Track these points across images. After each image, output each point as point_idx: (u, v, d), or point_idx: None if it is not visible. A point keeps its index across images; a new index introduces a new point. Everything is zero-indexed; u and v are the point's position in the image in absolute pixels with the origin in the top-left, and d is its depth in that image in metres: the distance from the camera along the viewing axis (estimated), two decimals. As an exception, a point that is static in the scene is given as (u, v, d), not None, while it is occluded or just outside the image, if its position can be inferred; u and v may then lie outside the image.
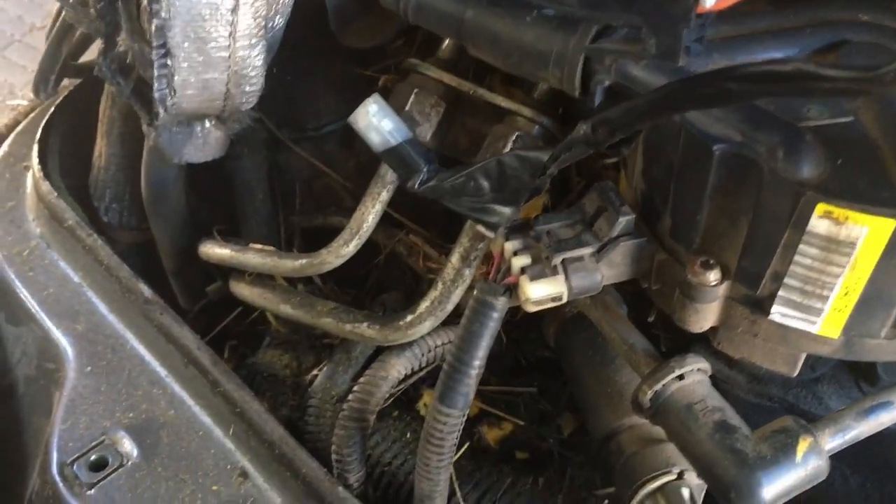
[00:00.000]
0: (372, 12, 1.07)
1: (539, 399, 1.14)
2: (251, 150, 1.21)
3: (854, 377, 0.96)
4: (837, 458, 0.78)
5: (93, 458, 1.00)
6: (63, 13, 1.10)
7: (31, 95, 1.83)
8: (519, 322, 1.12)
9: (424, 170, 0.88)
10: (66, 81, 1.34)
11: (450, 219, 1.18)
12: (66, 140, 1.36)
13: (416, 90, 0.98)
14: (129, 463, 1.00)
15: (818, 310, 0.72)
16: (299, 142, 1.23)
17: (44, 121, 1.33)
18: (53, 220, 1.24)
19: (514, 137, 0.93)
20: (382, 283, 1.23)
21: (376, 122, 0.88)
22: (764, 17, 0.80)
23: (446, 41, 1.01)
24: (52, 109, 1.35)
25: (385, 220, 1.15)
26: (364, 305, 1.22)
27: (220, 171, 1.22)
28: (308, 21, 1.10)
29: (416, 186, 0.88)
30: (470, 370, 0.83)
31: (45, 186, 1.25)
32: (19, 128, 1.42)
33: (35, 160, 1.28)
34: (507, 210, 0.85)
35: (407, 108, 0.98)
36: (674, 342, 0.98)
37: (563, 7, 0.81)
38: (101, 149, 1.25)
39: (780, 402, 0.95)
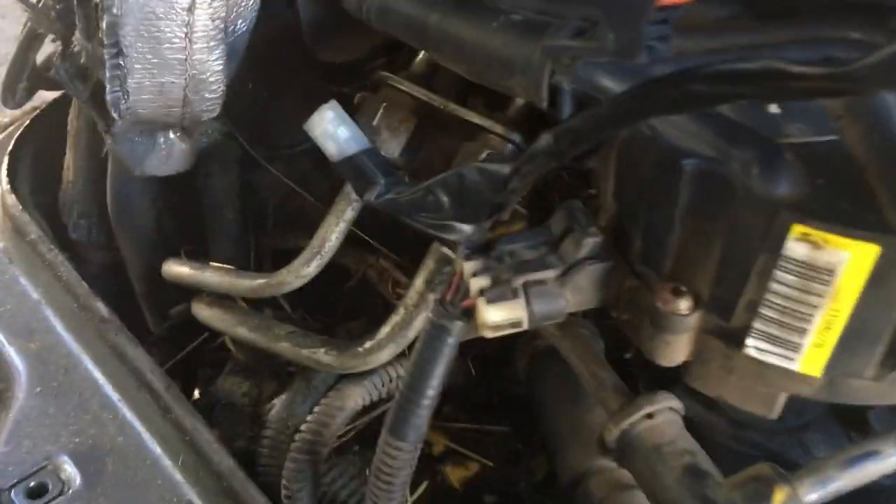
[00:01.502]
0: (347, 26, 1.03)
1: (512, 439, 1.07)
2: (222, 168, 1.16)
3: (844, 426, 0.88)
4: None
5: (32, 484, 0.94)
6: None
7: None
8: (491, 356, 1.06)
9: (382, 182, 0.82)
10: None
11: (424, 242, 1.13)
12: (39, 154, 1.33)
13: (384, 104, 0.94)
14: (70, 491, 0.94)
15: (797, 344, 0.65)
16: (273, 160, 1.18)
17: (17, 133, 1.30)
18: (16, 234, 1.20)
19: (483, 155, 0.88)
20: (353, 310, 1.17)
21: (332, 129, 0.83)
22: (746, 33, 0.75)
23: (421, 54, 0.97)
24: (27, 122, 1.32)
25: (357, 244, 1.10)
26: (333, 334, 1.16)
27: (190, 187, 1.18)
28: (282, 36, 1.07)
29: (372, 199, 0.82)
30: (423, 400, 0.77)
31: (11, 199, 1.21)
32: (-9, 143, 1.39)
33: (3, 172, 1.24)
34: (467, 227, 0.79)
35: (375, 122, 0.93)
36: (652, 382, 0.91)
37: (530, 11, 0.76)
38: (70, 162, 1.21)
39: (764, 449, 0.87)
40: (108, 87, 0.86)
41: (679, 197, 0.67)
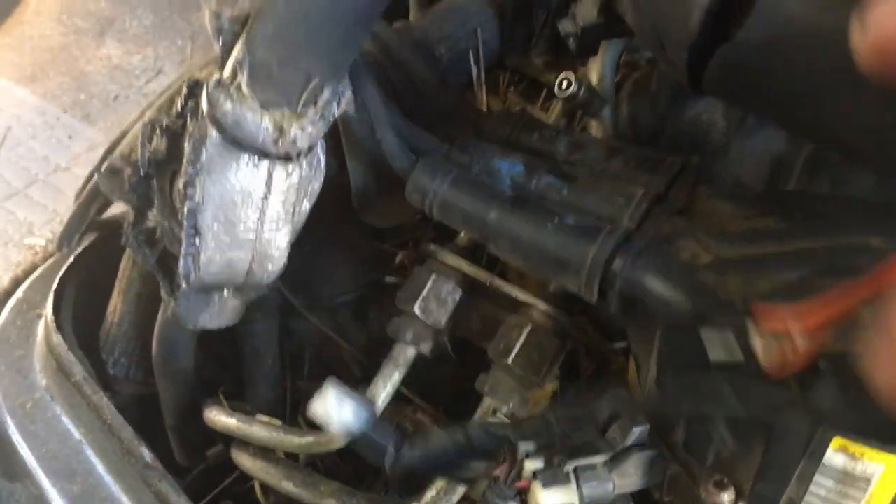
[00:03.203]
0: (394, 194, 1.10)
1: None
2: (264, 315, 1.22)
3: None
4: None
5: None
6: (95, 178, 1.13)
7: (49, 235, 1.88)
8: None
9: (391, 451, 0.89)
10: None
11: (460, 400, 1.18)
12: (80, 291, 1.37)
13: (433, 276, 1.00)
14: None
15: (834, 541, 0.71)
16: (312, 310, 1.25)
17: (61, 271, 1.35)
18: (60, 374, 1.23)
19: (528, 329, 0.95)
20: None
21: (336, 412, 0.89)
22: (776, 239, 0.83)
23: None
24: (71, 260, 1.37)
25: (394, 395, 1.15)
26: (366, 479, 1.20)
27: (229, 331, 1.23)
28: (330, 195, 1.14)
29: (389, 469, 0.89)
30: (476, 576, 0.81)
31: (57, 339, 1.25)
32: (35, 274, 1.44)
33: (49, 311, 1.29)
34: (480, 466, 0.85)
35: (424, 293, 1.00)
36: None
37: (583, 217, 0.84)
38: (116, 305, 1.26)
39: None
40: (181, 261, 0.92)
41: (725, 399, 0.73)
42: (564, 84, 1.00)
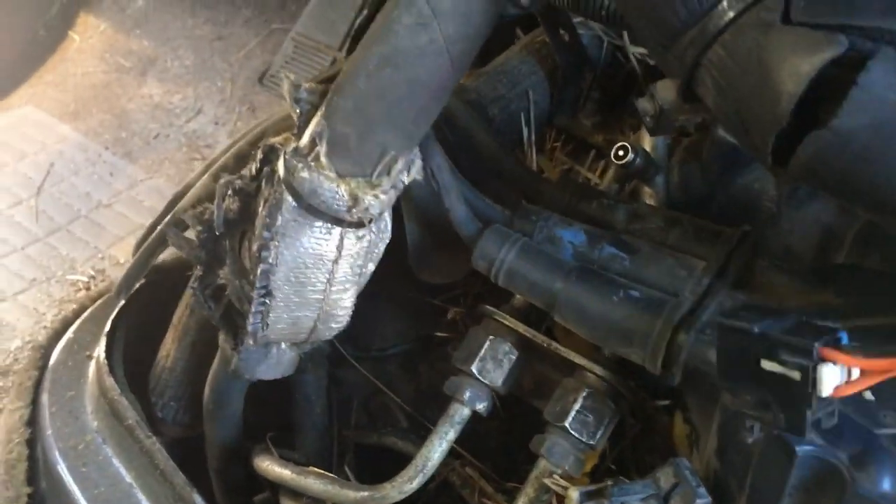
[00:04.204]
0: (449, 251, 1.13)
1: None
2: (315, 365, 1.24)
3: None
4: None
5: None
6: (159, 230, 1.16)
7: (91, 272, 1.91)
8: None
9: None
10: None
11: (506, 455, 1.20)
12: (129, 333, 1.39)
13: (490, 337, 1.03)
14: None
15: None
16: (362, 360, 1.27)
17: (113, 314, 1.37)
18: (112, 417, 1.25)
19: (584, 393, 0.97)
20: (431, 509, 1.23)
21: None
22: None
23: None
24: (122, 303, 1.39)
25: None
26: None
27: (280, 379, 1.25)
28: (386, 250, 1.17)
29: None
30: None
31: (109, 381, 1.27)
32: (86, 314, 1.47)
33: (102, 353, 1.31)
34: None
35: (481, 353, 1.02)
36: None
37: (649, 290, 0.87)
38: (170, 351, 1.29)
39: None
40: (250, 318, 0.95)
41: (789, 477, 0.75)
42: (621, 152, 1.02)
